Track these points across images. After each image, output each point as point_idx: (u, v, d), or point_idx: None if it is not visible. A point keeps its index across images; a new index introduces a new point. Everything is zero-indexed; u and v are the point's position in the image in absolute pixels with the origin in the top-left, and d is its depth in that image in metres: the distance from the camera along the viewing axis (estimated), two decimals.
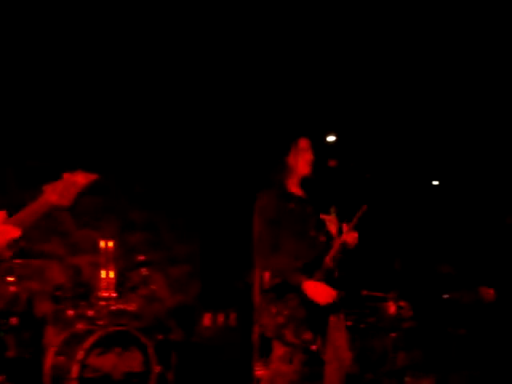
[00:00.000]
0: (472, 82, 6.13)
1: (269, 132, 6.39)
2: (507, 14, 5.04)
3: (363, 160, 3.73)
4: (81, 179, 2.61)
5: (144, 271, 5.53)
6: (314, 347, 5.61)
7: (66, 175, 2.61)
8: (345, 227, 3.50)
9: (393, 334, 5.83)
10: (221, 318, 6.34)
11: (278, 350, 3.46)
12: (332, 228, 3.59)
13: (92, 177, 2.65)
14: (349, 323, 5.85)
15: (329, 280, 3.44)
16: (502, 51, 5.67)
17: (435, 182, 7.21)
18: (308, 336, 3.42)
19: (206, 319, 6.34)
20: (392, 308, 5.87)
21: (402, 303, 5.87)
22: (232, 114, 6.61)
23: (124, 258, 6.04)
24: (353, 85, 6.20)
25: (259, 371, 5.28)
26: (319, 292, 3.33)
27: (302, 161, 3.59)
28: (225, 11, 5.08)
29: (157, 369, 4.86)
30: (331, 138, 6.31)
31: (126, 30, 5.24)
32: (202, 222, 7.09)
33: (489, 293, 5.33)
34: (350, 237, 3.51)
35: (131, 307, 5.23)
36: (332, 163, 3.66)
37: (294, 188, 3.64)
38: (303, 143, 3.63)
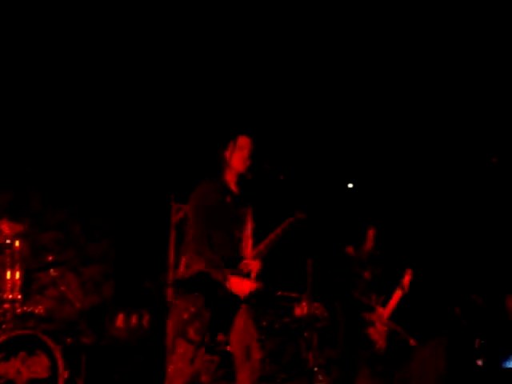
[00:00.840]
0: (383, 84, 6.32)
1: (186, 132, 6.36)
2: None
3: (277, 161, 3.75)
4: (5, 229, 2.45)
5: (53, 272, 5.32)
6: (229, 348, 5.61)
7: None
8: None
9: (306, 334, 5.91)
10: (134, 319, 6.23)
11: (180, 348, 3.39)
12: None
13: (18, 228, 2.51)
14: (264, 323, 5.88)
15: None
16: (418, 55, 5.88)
17: (350, 185, 7.37)
18: (220, 337, 3.39)
19: (119, 320, 6.21)
20: (305, 308, 5.95)
21: (315, 304, 5.96)
22: (147, 114, 6.54)
23: (33, 257, 5.82)
24: (268, 88, 6.26)
25: None
26: (243, 285, 3.36)
27: (236, 157, 3.59)
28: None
29: (64, 374, 4.68)
30: None
31: None
32: (115, 221, 6.95)
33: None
34: (254, 265, 3.48)
35: (38, 310, 5.01)
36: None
37: (231, 184, 3.64)
38: (241, 141, 3.62)
